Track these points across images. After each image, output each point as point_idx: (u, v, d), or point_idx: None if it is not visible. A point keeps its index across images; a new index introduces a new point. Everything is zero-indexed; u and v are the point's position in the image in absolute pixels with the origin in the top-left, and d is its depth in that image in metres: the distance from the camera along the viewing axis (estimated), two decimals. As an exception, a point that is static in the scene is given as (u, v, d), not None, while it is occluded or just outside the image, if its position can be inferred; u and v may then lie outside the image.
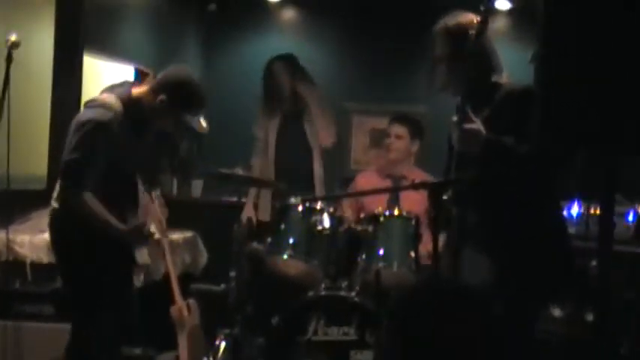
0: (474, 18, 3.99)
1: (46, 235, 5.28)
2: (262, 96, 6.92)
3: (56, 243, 4.64)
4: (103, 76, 7.61)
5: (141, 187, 4.83)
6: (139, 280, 5.41)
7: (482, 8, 3.89)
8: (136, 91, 4.54)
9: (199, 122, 4.63)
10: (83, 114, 4.45)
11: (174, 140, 7.14)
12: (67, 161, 4.35)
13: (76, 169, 4.34)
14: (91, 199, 4.34)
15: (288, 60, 6.89)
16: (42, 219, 5.52)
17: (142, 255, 5.39)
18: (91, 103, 4.50)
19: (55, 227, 4.60)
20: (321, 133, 6.78)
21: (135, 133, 4.53)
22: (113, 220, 4.42)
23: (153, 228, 5.05)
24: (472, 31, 3.92)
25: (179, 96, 4.50)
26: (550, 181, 3.86)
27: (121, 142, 4.42)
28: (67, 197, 4.42)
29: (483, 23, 3.88)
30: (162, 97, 4.47)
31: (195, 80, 4.64)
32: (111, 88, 4.58)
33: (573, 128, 2.77)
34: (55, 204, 4.53)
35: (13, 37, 4.33)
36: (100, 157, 4.34)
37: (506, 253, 3.80)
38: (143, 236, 4.71)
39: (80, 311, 4.57)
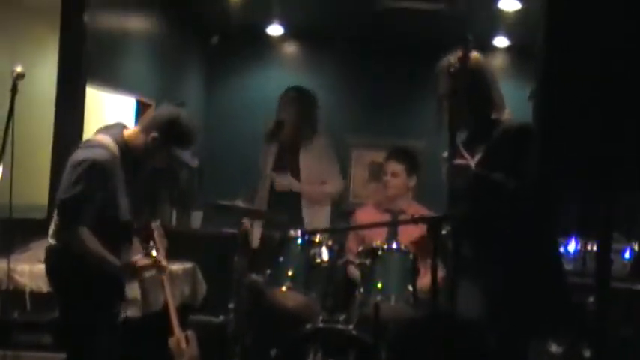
0: (474, 55, 4.01)
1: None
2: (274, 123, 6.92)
3: (52, 277, 4.66)
4: (105, 107, 7.64)
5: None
6: (137, 311, 5.40)
7: (463, 43, 3.91)
8: (128, 132, 4.60)
9: (190, 157, 4.67)
10: (79, 154, 4.46)
11: (174, 172, 7.14)
12: (63, 199, 4.38)
13: (73, 206, 4.36)
14: (87, 235, 4.36)
15: (300, 92, 6.91)
16: (41, 249, 5.52)
17: (132, 289, 5.39)
18: (87, 144, 4.57)
19: (50, 263, 4.62)
20: (317, 186, 6.81)
21: (129, 172, 4.57)
22: (108, 256, 4.45)
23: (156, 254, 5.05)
24: (453, 69, 3.93)
25: (170, 133, 4.54)
26: (546, 216, 3.85)
27: (116, 180, 4.46)
28: (63, 234, 4.44)
29: (463, 58, 3.89)
30: (153, 134, 4.52)
31: (185, 117, 4.67)
32: (105, 129, 4.63)
33: (572, 164, 2.78)
34: (51, 240, 4.55)
35: (18, 69, 4.34)
36: (95, 194, 4.36)
37: (500, 288, 3.80)
38: (135, 271, 4.74)
39: (73, 339, 4.59)
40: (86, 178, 4.33)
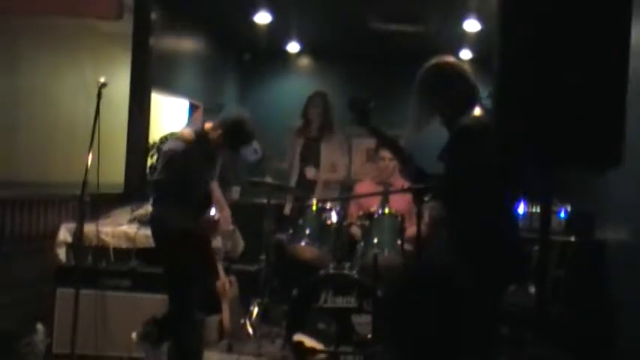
0: (446, 61, 3.89)
1: (125, 227, 5.38)
2: (301, 120, 6.93)
3: (155, 236, 4.70)
4: (165, 108, 7.69)
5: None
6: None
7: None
8: (208, 126, 4.59)
9: (253, 151, 4.60)
10: (166, 145, 4.57)
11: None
12: (154, 182, 4.50)
13: (158, 188, 4.46)
14: (168, 210, 4.43)
15: (324, 96, 6.91)
16: (121, 215, 5.61)
17: (217, 241, 5.47)
18: (172, 136, 4.67)
19: (153, 226, 4.68)
20: (329, 156, 6.85)
21: (204, 158, 4.60)
22: (189, 219, 4.48)
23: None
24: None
25: (231, 131, 4.52)
26: (507, 185, 3.73)
27: (192, 163, 4.47)
28: (154, 208, 4.55)
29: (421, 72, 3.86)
30: (219, 131, 4.52)
31: (245, 119, 4.59)
32: (187, 126, 4.83)
33: (522, 145, 2.82)
34: (149, 206, 4.67)
35: (102, 79, 4.38)
36: (175, 178, 4.41)
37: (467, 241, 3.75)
38: (213, 226, 4.75)
39: (175, 287, 4.62)
40: (167, 166, 4.42)
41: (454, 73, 3.86)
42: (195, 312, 4.70)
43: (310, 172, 6.80)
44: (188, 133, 4.55)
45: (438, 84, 3.85)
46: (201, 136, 4.53)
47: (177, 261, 4.53)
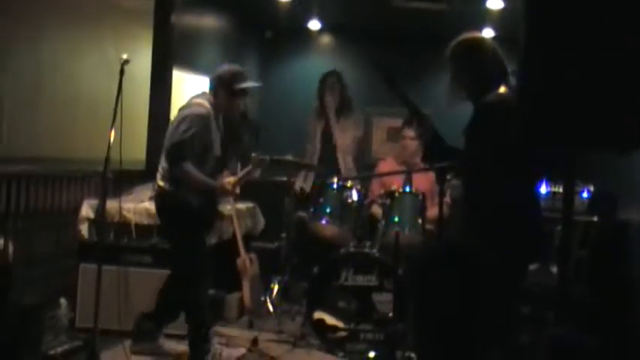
0: (473, 37, 3.90)
1: (146, 204, 5.41)
2: (317, 102, 6.94)
3: (160, 214, 4.83)
4: (186, 85, 7.69)
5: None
6: (214, 238, 5.48)
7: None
8: (210, 96, 4.80)
9: (249, 83, 4.91)
10: (185, 111, 4.69)
11: (238, 134, 7.18)
12: (173, 143, 4.59)
13: (181, 147, 4.57)
14: (191, 168, 4.59)
15: (339, 75, 6.91)
16: (143, 192, 5.64)
17: (227, 209, 5.51)
18: (189, 104, 4.75)
19: (159, 202, 4.80)
20: (344, 137, 6.84)
21: (218, 123, 4.79)
22: (208, 180, 4.71)
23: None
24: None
25: (224, 78, 4.78)
26: (528, 165, 3.72)
27: (211, 127, 4.69)
28: (174, 170, 4.61)
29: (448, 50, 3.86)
30: (219, 89, 4.77)
31: (228, 65, 4.95)
32: (197, 96, 4.82)
33: (547, 126, 2.81)
34: (160, 183, 4.69)
35: (124, 56, 4.38)
36: (196, 138, 4.58)
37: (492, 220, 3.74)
38: (228, 189, 4.87)
39: (179, 260, 4.77)
40: (191, 126, 4.57)
41: (481, 49, 3.85)
42: (204, 284, 4.83)
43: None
44: (203, 101, 4.75)
45: (464, 59, 3.85)
46: (211, 104, 4.75)
47: (186, 235, 4.68)
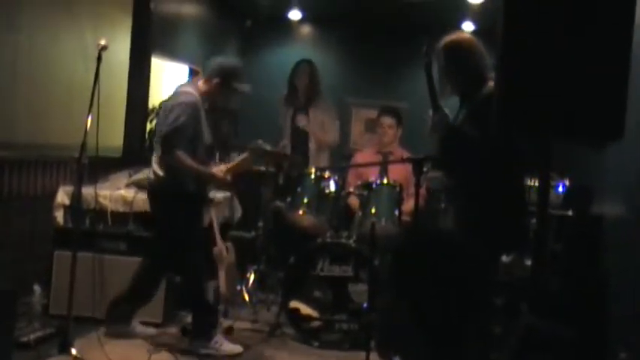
0: (460, 39, 3.99)
1: (123, 191, 5.38)
2: (287, 89, 6.94)
3: (156, 200, 4.87)
4: (165, 72, 7.66)
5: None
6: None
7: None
8: (200, 83, 4.82)
9: (244, 87, 4.91)
10: (175, 100, 4.71)
11: (217, 123, 7.17)
12: (167, 131, 4.61)
13: (174, 135, 4.59)
14: (184, 156, 4.60)
15: (310, 64, 6.91)
16: (119, 179, 5.61)
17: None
18: (178, 93, 4.77)
19: (155, 189, 4.83)
20: (322, 133, 6.82)
21: (207, 112, 4.82)
22: (201, 167, 4.74)
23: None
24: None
25: (226, 72, 4.77)
26: (510, 158, 3.77)
27: (201, 116, 4.71)
28: (167, 157, 4.64)
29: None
30: (216, 79, 4.74)
31: (233, 60, 5.02)
32: (186, 85, 4.92)
33: (522, 122, 2.83)
34: (156, 170, 4.72)
35: (102, 42, 4.35)
36: (189, 126, 4.62)
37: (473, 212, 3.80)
38: (221, 177, 4.89)
39: (165, 248, 4.82)
40: (183, 115, 4.59)
41: (468, 50, 3.94)
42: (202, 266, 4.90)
43: (302, 120, 6.79)
44: (192, 90, 4.77)
45: (451, 63, 3.92)
46: (201, 92, 4.78)
47: (180, 224, 4.70)
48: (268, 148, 5.96)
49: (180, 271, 4.95)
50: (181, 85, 4.90)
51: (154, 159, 4.76)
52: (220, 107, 5.14)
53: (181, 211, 4.71)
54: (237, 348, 4.82)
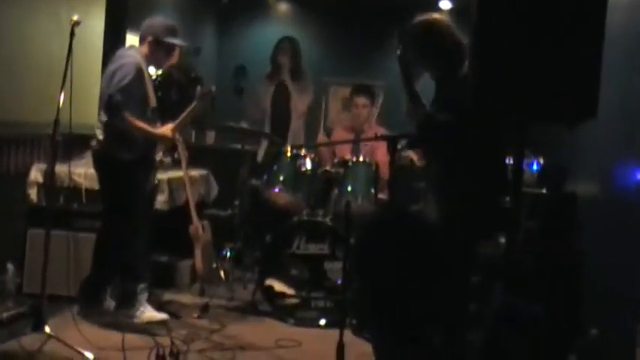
0: (433, 20, 3.89)
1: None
2: (270, 66, 6.89)
3: (100, 165, 4.83)
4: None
5: None
6: (165, 205, 5.43)
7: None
8: (141, 47, 4.84)
9: (178, 41, 4.91)
10: (120, 61, 4.67)
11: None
12: (112, 93, 4.55)
13: (120, 96, 4.54)
14: (131, 117, 4.57)
15: (292, 41, 6.86)
16: (94, 157, 5.54)
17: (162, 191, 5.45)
18: (122, 55, 4.77)
19: (99, 154, 4.78)
20: (300, 101, 6.80)
21: (148, 74, 4.83)
22: (148, 127, 4.71)
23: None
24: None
25: (156, 29, 4.81)
26: (490, 139, 3.72)
27: (145, 77, 4.72)
28: (115, 119, 4.58)
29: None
30: (149, 39, 4.79)
31: (163, 19, 5.04)
32: (128, 49, 4.95)
33: (497, 101, 2.82)
34: (99, 136, 4.69)
35: (75, 17, 4.28)
36: (134, 87, 4.60)
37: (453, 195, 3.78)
38: (168, 135, 4.84)
39: (116, 212, 4.75)
40: (127, 76, 4.56)
41: (441, 31, 3.85)
42: (142, 237, 4.82)
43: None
44: (136, 52, 4.79)
45: (426, 44, 3.85)
46: (142, 55, 4.78)
47: (124, 190, 4.69)
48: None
49: (114, 232, 4.79)
50: (123, 49, 4.92)
51: (98, 124, 4.72)
52: (164, 68, 5.28)
53: (126, 176, 4.66)
54: (159, 315, 4.76)
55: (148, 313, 4.73)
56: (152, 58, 4.85)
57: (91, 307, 4.81)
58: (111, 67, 4.68)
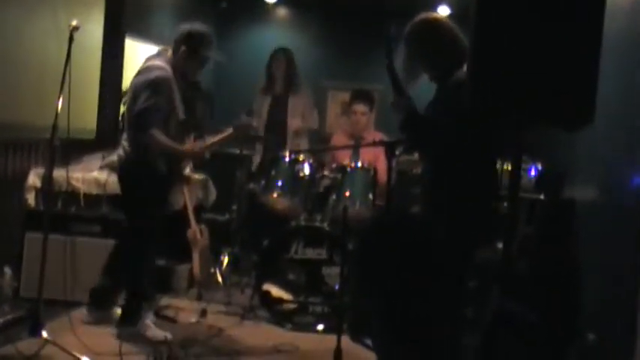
0: (434, 18, 3.84)
1: (95, 174, 5.34)
2: (265, 77, 6.88)
3: (125, 180, 4.71)
4: (139, 54, 7.58)
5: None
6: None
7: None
8: (169, 54, 4.63)
9: (216, 55, 4.72)
10: (146, 76, 4.50)
11: (192, 105, 7.12)
12: (140, 110, 4.44)
13: (148, 114, 4.43)
14: (158, 134, 4.46)
15: (286, 52, 6.84)
16: (92, 161, 5.56)
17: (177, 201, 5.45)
18: (149, 68, 4.56)
19: (124, 169, 4.69)
20: (301, 120, 6.77)
21: (179, 84, 4.61)
22: (176, 145, 4.60)
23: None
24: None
25: (193, 40, 4.58)
26: (482, 142, 3.66)
27: (174, 91, 4.53)
28: (140, 136, 4.49)
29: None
30: (183, 48, 4.56)
31: (200, 27, 4.68)
32: (154, 57, 4.67)
33: (495, 105, 2.82)
34: (126, 150, 4.59)
35: (74, 22, 4.27)
36: (162, 103, 4.46)
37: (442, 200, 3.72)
38: (197, 152, 4.80)
39: (135, 229, 4.67)
40: (156, 92, 4.42)
41: (440, 29, 3.79)
42: (152, 253, 4.80)
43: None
44: (163, 63, 4.57)
45: (426, 42, 3.79)
46: (171, 64, 4.58)
47: (155, 196, 4.62)
48: (254, 123, 5.85)
49: (132, 245, 4.72)
50: (151, 58, 4.68)
51: (124, 137, 4.64)
52: (191, 80, 4.83)
53: (151, 192, 4.59)
54: (161, 335, 4.59)
55: (150, 332, 4.63)
56: (183, 69, 4.63)
57: (101, 314, 4.80)
58: (140, 79, 4.52)
